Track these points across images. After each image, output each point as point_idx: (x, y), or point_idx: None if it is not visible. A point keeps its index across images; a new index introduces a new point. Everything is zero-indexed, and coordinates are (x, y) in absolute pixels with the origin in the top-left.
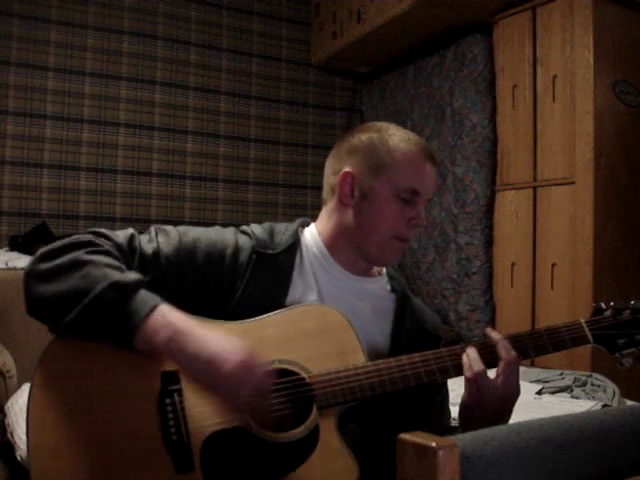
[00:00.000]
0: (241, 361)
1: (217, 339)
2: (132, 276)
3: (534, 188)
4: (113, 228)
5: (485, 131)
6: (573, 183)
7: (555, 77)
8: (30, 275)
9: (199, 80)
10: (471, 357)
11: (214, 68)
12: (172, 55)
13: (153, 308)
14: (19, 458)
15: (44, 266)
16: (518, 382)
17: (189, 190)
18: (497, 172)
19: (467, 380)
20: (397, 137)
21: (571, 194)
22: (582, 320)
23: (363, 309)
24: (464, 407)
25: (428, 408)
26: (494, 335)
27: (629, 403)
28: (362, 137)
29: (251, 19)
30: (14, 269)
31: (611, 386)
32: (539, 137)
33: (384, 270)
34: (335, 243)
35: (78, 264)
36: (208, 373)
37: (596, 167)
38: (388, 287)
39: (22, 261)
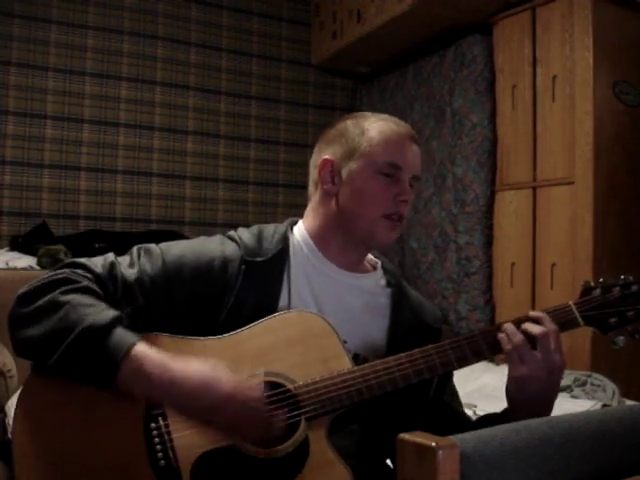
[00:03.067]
0: (229, 392)
1: (196, 383)
2: (106, 316)
3: (534, 188)
4: (113, 228)
5: (485, 131)
6: (573, 183)
7: (555, 77)
8: (12, 320)
9: (199, 80)
10: (509, 330)
11: (214, 68)
12: (172, 55)
13: (127, 352)
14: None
15: (23, 310)
16: (561, 351)
17: (189, 190)
18: (497, 172)
19: (508, 354)
20: (372, 119)
21: (571, 194)
22: (571, 302)
23: (358, 306)
24: (513, 383)
25: (437, 406)
26: (532, 313)
27: (629, 403)
28: (338, 126)
29: (251, 19)
30: (14, 269)
31: (611, 386)
32: (539, 137)
33: (379, 264)
34: (324, 237)
35: (55, 306)
36: (200, 412)
37: (596, 167)
38: (383, 282)
39: (22, 261)
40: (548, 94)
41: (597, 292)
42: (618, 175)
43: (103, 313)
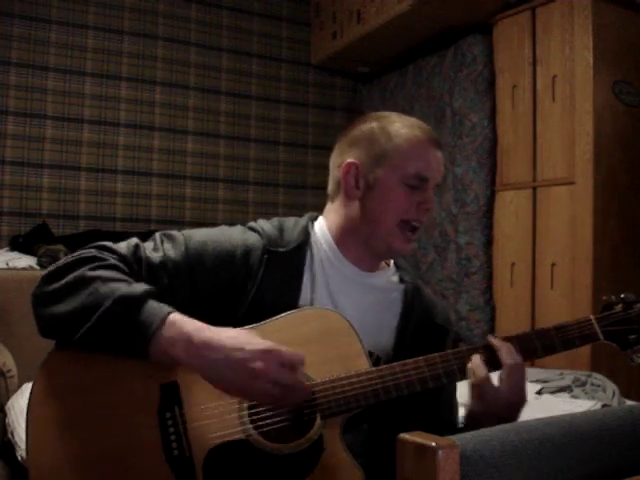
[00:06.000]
0: (264, 352)
1: (234, 339)
2: (139, 287)
3: (534, 188)
4: (113, 228)
5: (485, 131)
6: (573, 183)
7: (555, 77)
8: (37, 298)
9: (199, 80)
10: (474, 363)
11: (214, 68)
12: (172, 55)
13: (164, 319)
14: (20, 458)
15: (50, 288)
16: (524, 388)
17: (189, 190)
18: (497, 172)
19: (471, 386)
20: (398, 124)
21: (571, 194)
22: (592, 317)
23: (372, 305)
24: (470, 414)
25: (436, 404)
26: (496, 342)
27: (629, 403)
28: (362, 127)
29: (251, 19)
30: (14, 269)
31: (611, 386)
32: (539, 137)
33: (391, 261)
34: (345, 239)
35: (84, 281)
36: (235, 375)
37: (596, 167)
38: (395, 278)
39: (22, 261)
40: (548, 94)
41: (618, 307)
42: (618, 175)
43: (136, 285)
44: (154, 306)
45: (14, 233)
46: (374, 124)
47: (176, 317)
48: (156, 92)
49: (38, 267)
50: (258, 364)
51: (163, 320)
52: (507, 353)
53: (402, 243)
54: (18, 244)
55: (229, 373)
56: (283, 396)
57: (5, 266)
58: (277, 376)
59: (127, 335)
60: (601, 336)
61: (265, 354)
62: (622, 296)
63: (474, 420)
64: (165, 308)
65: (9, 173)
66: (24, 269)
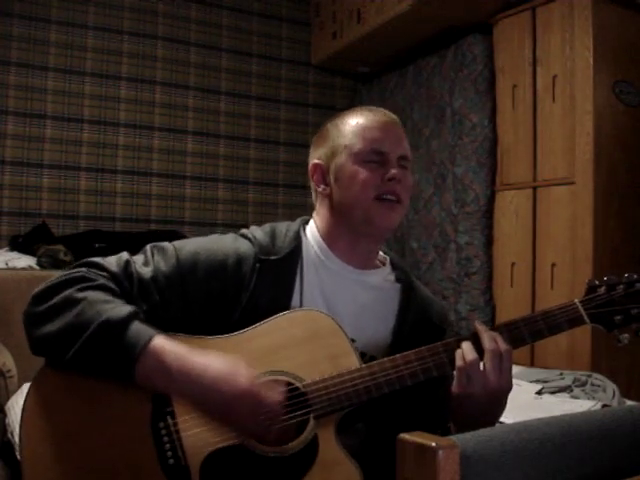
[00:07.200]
0: (245, 388)
1: (216, 370)
2: (123, 310)
3: (534, 188)
4: (113, 228)
5: (485, 131)
6: (573, 183)
7: (555, 77)
8: (28, 318)
9: (199, 80)
10: (465, 347)
11: (214, 68)
12: (172, 55)
13: (145, 346)
14: (19, 458)
15: (39, 308)
16: (508, 375)
17: (189, 190)
18: (497, 172)
19: (458, 369)
20: (347, 114)
21: (571, 194)
22: (577, 300)
23: (367, 302)
24: (453, 398)
25: (432, 401)
26: (478, 326)
27: (629, 403)
28: (320, 132)
29: (251, 19)
30: (14, 269)
31: (611, 386)
32: (539, 137)
33: (387, 260)
34: (331, 235)
35: (72, 302)
36: (215, 406)
37: (596, 167)
38: (392, 277)
39: (22, 261)
40: (548, 94)
41: (602, 290)
42: (618, 175)
43: (120, 308)
44: (135, 332)
45: (14, 233)
46: (328, 124)
47: (156, 344)
48: (156, 92)
49: (38, 267)
50: (233, 409)
51: (144, 347)
52: (489, 338)
53: (383, 213)
54: (18, 244)
55: (207, 407)
56: (256, 432)
57: (5, 266)
58: (250, 419)
59: (112, 360)
60: (587, 319)
61: (243, 396)
62: (605, 278)
63: (456, 405)
64: (146, 333)
65: (9, 173)
66: (24, 269)
